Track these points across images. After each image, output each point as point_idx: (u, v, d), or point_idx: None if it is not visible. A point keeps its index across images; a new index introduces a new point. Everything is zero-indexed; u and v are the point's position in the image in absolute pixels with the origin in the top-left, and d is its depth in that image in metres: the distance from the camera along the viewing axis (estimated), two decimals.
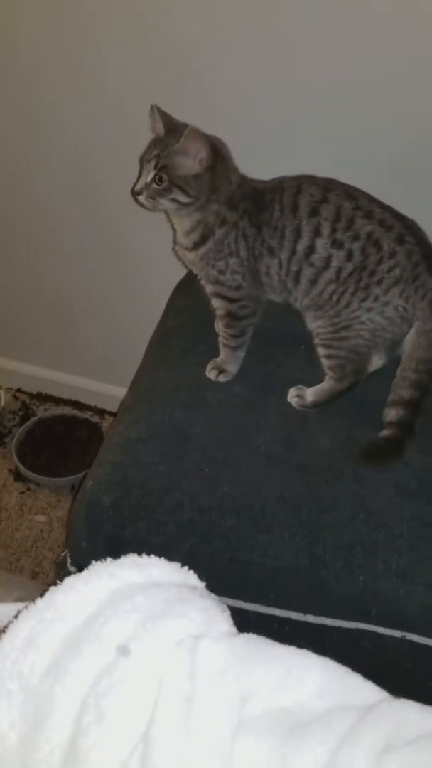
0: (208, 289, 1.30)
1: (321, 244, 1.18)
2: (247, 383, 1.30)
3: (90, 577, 0.56)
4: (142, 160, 1.22)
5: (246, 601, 1.07)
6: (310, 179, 1.22)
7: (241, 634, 0.56)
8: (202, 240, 1.23)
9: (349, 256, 1.17)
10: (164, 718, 0.47)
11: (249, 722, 0.49)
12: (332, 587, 1.04)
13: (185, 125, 1.17)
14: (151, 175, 1.17)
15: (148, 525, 1.08)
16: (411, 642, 1.04)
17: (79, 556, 1.13)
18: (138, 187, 1.19)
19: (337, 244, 1.17)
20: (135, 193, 1.20)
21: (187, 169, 1.16)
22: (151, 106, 1.21)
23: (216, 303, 1.30)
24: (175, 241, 1.34)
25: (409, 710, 0.51)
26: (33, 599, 0.56)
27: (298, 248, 1.19)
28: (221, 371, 1.30)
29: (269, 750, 0.47)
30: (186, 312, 1.48)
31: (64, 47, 1.43)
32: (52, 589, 0.56)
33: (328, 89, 1.32)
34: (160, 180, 1.16)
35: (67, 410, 2.11)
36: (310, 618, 1.06)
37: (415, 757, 0.46)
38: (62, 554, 1.21)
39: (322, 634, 1.06)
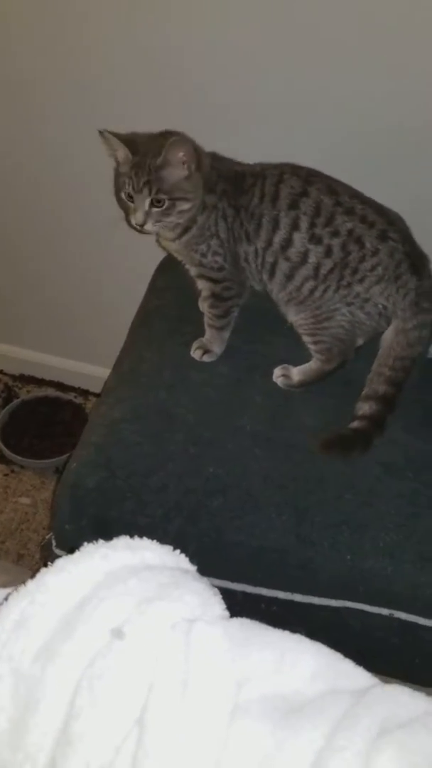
0: (192, 271, 1.28)
1: (298, 238, 1.16)
2: (233, 363, 1.29)
3: (82, 559, 0.55)
4: (125, 194, 1.17)
5: (233, 581, 1.07)
6: (293, 169, 1.19)
7: (235, 618, 0.55)
8: (185, 230, 1.21)
9: (328, 253, 1.15)
10: (159, 702, 0.46)
11: (244, 706, 0.48)
12: (319, 566, 1.04)
13: (148, 135, 1.17)
14: (148, 201, 1.14)
15: (134, 506, 1.07)
16: (399, 620, 1.05)
17: (63, 539, 1.12)
18: (139, 219, 1.16)
19: (315, 239, 1.15)
20: (139, 226, 1.17)
21: (177, 176, 1.14)
22: (100, 132, 1.17)
23: (201, 284, 1.29)
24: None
25: (401, 695, 0.50)
26: (18, 584, 0.55)
27: (274, 240, 1.18)
28: (206, 351, 1.29)
29: (264, 734, 0.46)
30: (168, 292, 1.46)
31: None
32: (43, 570, 0.55)
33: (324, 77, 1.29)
34: (159, 202, 1.14)
35: (50, 392, 2.09)
36: (298, 597, 1.06)
37: (410, 739, 0.46)
38: (47, 537, 1.20)
39: (309, 613, 1.06)
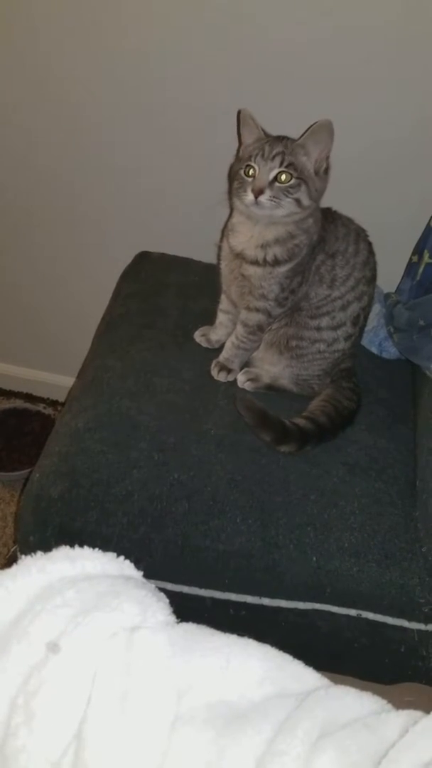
0: (252, 303, 1.22)
1: (355, 308, 1.21)
2: (197, 368, 1.29)
3: (19, 573, 0.54)
4: (244, 167, 1.11)
5: (201, 587, 1.06)
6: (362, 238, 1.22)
7: (179, 624, 0.54)
8: (288, 259, 1.15)
9: (348, 338, 1.23)
10: (97, 715, 0.45)
11: (186, 714, 0.47)
12: (286, 569, 1.03)
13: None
14: (275, 172, 1.08)
15: (98, 516, 1.06)
16: (366, 620, 1.05)
17: (29, 551, 1.09)
18: (259, 183, 1.08)
19: (357, 321, 1.23)
20: (255, 192, 1.08)
21: (308, 167, 1.10)
22: (239, 111, 1.14)
23: (247, 315, 1.23)
24: (221, 250, 1.27)
25: (346, 696, 0.50)
26: None
27: (348, 297, 1.20)
28: (229, 370, 1.28)
29: (207, 742, 0.46)
30: (132, 299, 1.45)
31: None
32: None
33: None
34: (287, 177, 1.08)
35: (18, 403, 2.07)
36: (266, 601, 1.06)
37: (350, 741, 0.45)
38: (12, 549, 1.18)
39: (278, 616, 1.06)
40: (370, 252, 1.22)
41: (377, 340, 1.43)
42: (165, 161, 1.53)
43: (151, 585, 0.57)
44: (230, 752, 0.45)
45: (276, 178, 1.08)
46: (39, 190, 1.65)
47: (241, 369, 1.29)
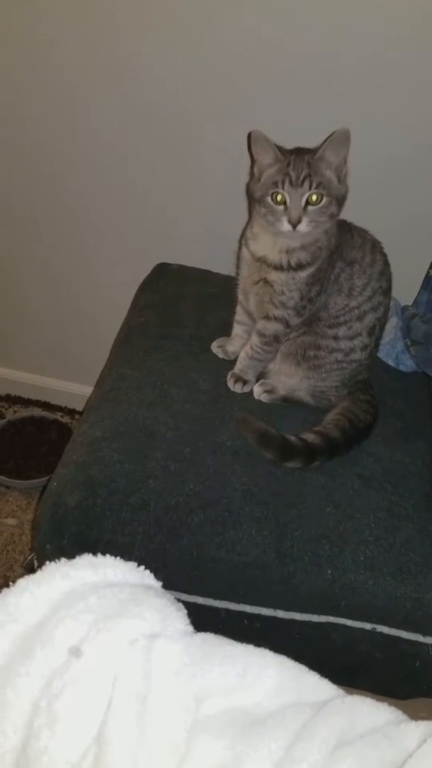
0: (271, 311, 1.22)
1: (371, 318, 1.21)
2: (213, 379, 1.29)
3: (43, 579, 0.55)
4: (272, 198, 1.10)
5: (215, 598, 1.07)
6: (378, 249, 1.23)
7: (197, 633, 0.55)
8: (311, 262, 1.16)
9: (364, 348, 1.23)
10: (117, 719, 0.46)
11: (204, 721, 0.48)
12: (301, 581, 1.03)
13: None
14: (306, 197, 1.08)
15: (114, 525, 1.06)
16: (381, 634, 1.04)
17: (45, 559, 1.10)
18: (294, 216, 1.08)
19: (373, 332, 1.23)
20: (293, 224, 1.09)
21: (330, 178, 1.10)
22: (250, 133, 1.12)
23: (264, 324, 1.23)
24: (239, 258, 1.27)
25: (362, 705, 0.50)
26: None
27: (364, 307, 1.20)
28: (245, 382, 1.28)
29: (224, 748, 0.46)
30: (150, 310, 1.46)
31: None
32: (5, 591, 0.55)
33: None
34: (317, 199, 1.08)
35: (36, 411, 2.09)
36: (280, 613, 1.06)
37: (369, 750, 0.46)
38: (29, 557, 1.19)
39: (292, 628, 1.06)
40: (386, 263, 1.22)
41: (394, 352, 1.43)
42: (185, 175, 1.54)
43: (170, 595, 0.58)
44: (247, 758, 0.45)
45: (308, 201, 1.09)
46: (62, 203, 1.67)
47: (258, 380, 1.29)
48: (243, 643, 0.55)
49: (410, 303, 1.48)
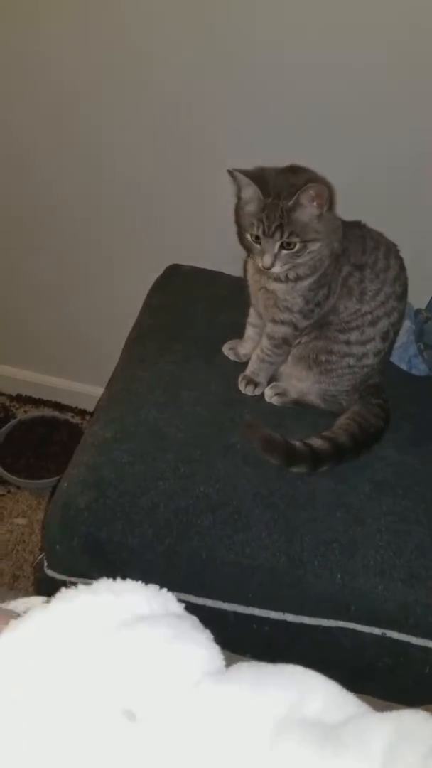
0: (277, 315, 1.22)
1: (385, 324, 1.21)
2: (224, 381, 1.29)
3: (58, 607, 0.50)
4: (252, 236, 1.13)
5: (224, 601, 1.06)
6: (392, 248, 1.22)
7: (235, 665, 0.52)
8: (310, 273, 1.17)
9: (377, 353, 1.23)
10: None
11: (283, 729, 0.45)
12: (310, 585, 1.03)
13: (275, 171, 1.13)
14: (278, 245, 1.10)
15: (124, 526, 1.06)
16: (391, 639, 1.04)
17: (55, 559, 1.12)
18: (267, 262, 1.12)
19: (386, 337, 1.22)
20: (266, 268, 1.13)
21: (309, 216, 1.11)
22: (229, 171, 1.14)
23: (273, 328, 1.24)
24: (246, 264, 1.28)
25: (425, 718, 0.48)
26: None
27: (377, 312, 1.19)
28: (256, 384, 1.28)
29: (311, 755, 0.44)
30: (162, 311, 1.46)
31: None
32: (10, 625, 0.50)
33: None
34: (290, 245, 1.11)
35: (47, 411, 2.09)
36: (290, 617, 1.05)
37: None
38: (38, 557, 1.19)
39: (301, 632, 1.06)
40: (401, 267, 1.21)
41: (407, 356, 1.42)
42: (198, 176, 1.54)
43: (195, 618, 0.55)
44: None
45: (282, 245, 1.11)
46: (76, 204, 1.68)
47: (269, 383, 1.29)
48: (281, 665, 0.52)
49: (423, 306, 1.47)
